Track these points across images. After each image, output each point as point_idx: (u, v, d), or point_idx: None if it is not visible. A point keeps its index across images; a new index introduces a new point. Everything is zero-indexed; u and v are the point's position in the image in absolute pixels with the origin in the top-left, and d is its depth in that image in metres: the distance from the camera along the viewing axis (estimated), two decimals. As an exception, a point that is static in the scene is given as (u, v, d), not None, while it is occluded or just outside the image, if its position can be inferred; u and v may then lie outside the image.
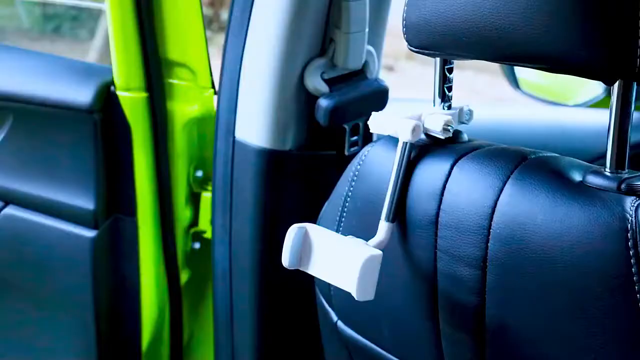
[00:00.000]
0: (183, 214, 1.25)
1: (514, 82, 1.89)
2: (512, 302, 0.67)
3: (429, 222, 0.72)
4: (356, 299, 0.66)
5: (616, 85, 0.63)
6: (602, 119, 1.51)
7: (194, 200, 1.27)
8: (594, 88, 2.41)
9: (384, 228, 0.72)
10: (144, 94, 1.17)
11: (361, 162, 0.80)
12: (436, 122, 0.73)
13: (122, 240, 1.23)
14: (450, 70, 0.76)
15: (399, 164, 0.72)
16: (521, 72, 1.92)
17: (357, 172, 0.80)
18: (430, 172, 0.73)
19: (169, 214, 1.23)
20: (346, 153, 1.06)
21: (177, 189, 1.24)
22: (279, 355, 1.16)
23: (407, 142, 0.72)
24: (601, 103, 2.07)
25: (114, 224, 1.23)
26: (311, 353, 1.11)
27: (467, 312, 0.70)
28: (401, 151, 0.73)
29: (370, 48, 1.06)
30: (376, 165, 0.78)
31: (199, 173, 1.25)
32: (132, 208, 1.21)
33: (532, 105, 2.00)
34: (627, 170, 0.64)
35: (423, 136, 0.75)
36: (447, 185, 0.71)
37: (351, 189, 0.80)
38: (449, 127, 0.72)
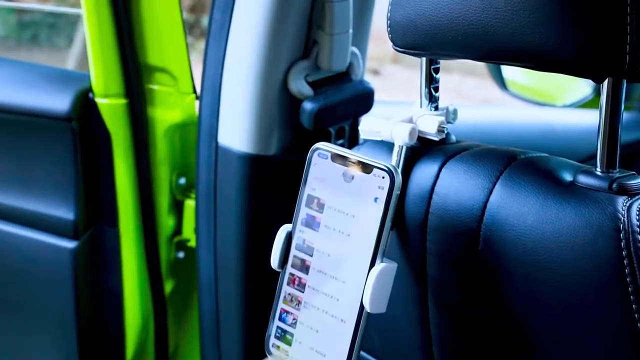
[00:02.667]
0: (166, 222, 1.24)
1: (501, 83, 1.89)
2: (503, 306, 0.66)
3: (418, 226, 0.71)
4: (369, 311, 0.64)
5: (605, 83, 0.63)
6: (591, 119, 1.52)
7: (177, 208, 1.26)
8: (583, 88, 2.42)
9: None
10: (123, 101, 1.16)
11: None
12: (430, 124, 0.72)
13: (104, 250, 1.22)
14: (437, 71, 0.76)
15: (395, 165, 0.72)
16: (508, 73, 1.92)
17: (343, 176, 0.79)
18: (418, 175, 0.72)
19: (151, 223, 1.22)
20: (332, 157, 1.06)
21: (160, 197, 1.22)
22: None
23: (402, 146, 0.72)
24: (591, 103, 2.08)
25: (95, 234, 1.22)
26: None
27: (458, 316, 0.69)
28: (397, 155, 0.72)
29: (355, 49, 1.05)
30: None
31: (182, 180, 1.24)
32: (113, 217, 1.20)
33: (520, 106, 2.01)
34: (618, 170, 0.64)
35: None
36: (435, 188, 0.71)
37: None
38: (444, 128, 0.72)
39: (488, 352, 0.70)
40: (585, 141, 1.53)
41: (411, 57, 0.74)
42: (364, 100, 1.06)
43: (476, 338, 0.70)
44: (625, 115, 1.89)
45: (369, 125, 0.75)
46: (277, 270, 0.69)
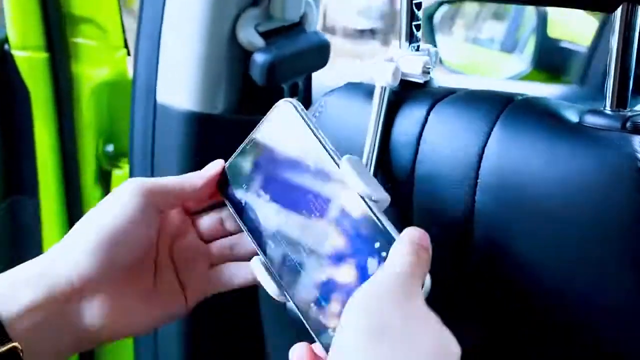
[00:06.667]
0: (92, 195, 1.15)
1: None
2: (504, 265, 0.61)
3: (404, 176, 0.65)
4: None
5: (619, 11, 0.58)
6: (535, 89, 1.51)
7: (104, 179, 1.17)
8: (516, 64, 2.43)
9: None
10: (44, 54, 1.06)
11: (317, 115, 0.72)
12: (413, 64, 0.66)
13: (22, 225, 1.13)
14: (419, 6, 0.70)
15: (377, 110, 0.65)
16: (443, 53, 1.90)
17: (312, 127, 0.72)
18: (403, 121, 0.66)
19: (75, 195, 1.13)
20: (284, 117, 0.98)
21: (85, 166, 1.13)
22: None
23: (385, 87, 0.66)
24: (528, 77, 2.08)
25: (12, 206, 1.12)
26: (250, 350, 1.04)
27: (449, 274, 0.63)
28: (379, 97, 0.66)
29: (309, -2, 0.98)
30: (337, 116, 0.71)
31: (110, 147, 1.15)
32: (33, 188, 1.10)
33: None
34: (629, 109, 0.60)
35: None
36: (423, 134, 0.65)
37: (305, 146, 0.73)
38: (429, 69, 0.66)
39: (484, 318, 0.64)
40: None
41: None
42: (320, 53, 0.99)
43: (468, 303, 0.65)
44: (564, 89, 1.90)
45: (345, 66, 0.68)
46: (281, 299, 0.61)
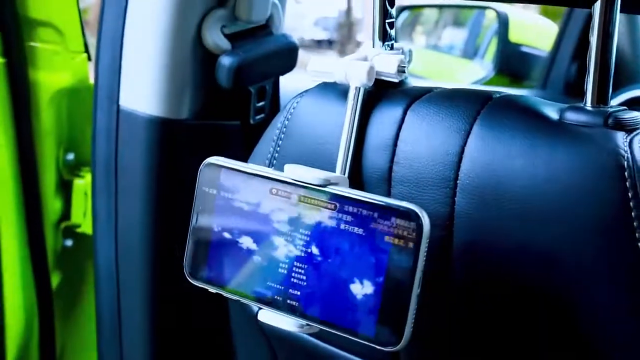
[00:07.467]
0: (52, 205, 1.11)
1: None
2: (485, 265, 0.59)
3: (380, 178, 0.63)
4: None
5: (597, 4, 0.57)
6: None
7: (65, 189, 1.13)
8: (477, 70, 2.44)
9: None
10: (0, 60, 1.02)
11: (289, 117, 0.70)
12: (388, 63, 0.64)
13: (-21, 238, 1.07)
14: (392, 3, 0.68)
15: (352, 110, 0.63)
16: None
17: (284, 129, 0.70)
18: (379, 121, 0.64)
19: (35, 206, 1.09)
20: (252, 121, 0.96)
21: (45, 176, 1.09)
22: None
23: (359, 87, 0.64)
24: (491, 82, 2.09)
25: (-32, 218, 1.07)
26: (218, 355, 1.01)
27: (429, 280, 0.62)
28: (354, 98, 0.64)
29: (275, 0, 0.96)
30: (309, 118, 0.68)
31: (70, 156, 1.11)
32: (-11, 199, 1.06)
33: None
34: (609, 105, 0.59)
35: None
36: (400, 134, 0.63)
37: (277, 149, 0.70)
38: (404, 68, 0.64)
39: (465, 318, 0.62)
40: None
41: None
42: (287, 56, 0.97)
43: (450, 305, 0.63)
44: (528, 93, 1.91)
45: (318, 66, 0.66)
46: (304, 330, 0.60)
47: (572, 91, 1.80)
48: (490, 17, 2.41)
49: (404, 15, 2.51)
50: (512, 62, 2.11)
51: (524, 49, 2.14)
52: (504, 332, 0.60)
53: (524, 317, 0.59)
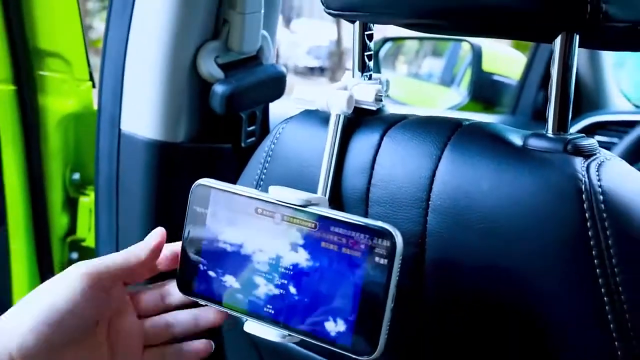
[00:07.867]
0: (59, 221, 1.09)
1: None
2: (455, 280, 0.59)
3: (358, 200, 0.62)
4: None
5: (558, 40, 0.57)
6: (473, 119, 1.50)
7: (71, 206, 1.11)
8: (454, 96, 2.44)
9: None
10: (11, 87, 1.01)
11: (275, 141, 0.69)
12: (367, 92, 0.64)
13: (-10, 252, 1.06)
14: (370, 37, 0.68)
15: (333, 136, 0.63)
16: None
17: (270, 153, 0.69)
18: (358, 145, 0.63)
19: (43, 222, 1.07)
20: (243, 144, 0.95)
21: (52, 194, 1.08)
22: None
23: (339, 115, 0.63)
24: (466, 107, 2.09)
25: (-20, 233, 1.06)
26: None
27: (403, 295, 0.61)
28: (335, 124, 0.63)
29: (265, 32, 0.96)
30: (294, 142, 0.68)
31: (76, 176, 1.10)
32: (1, 215, 1.04)
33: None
34: (569, 132, 0.58)
35: (345, 108, 0.66)
36: (377, 158, 0.62)
37: (264, 171, 0.70)
38: (381, 97, 0.64)
39: (437, 331, 0.61)
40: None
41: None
42: (276, 84, 0.96)
43: (423, 318, 0.62)
44: (498, 118, 1.91)
45: (302, 94, 0.66)
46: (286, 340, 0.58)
47: (540, 116, 1.81)
48: (465, 48, 2.42)
49: (387, 45, 2.51)
50: (485, 90, 2.11)
51: (496, 78, 2.15)
52: (475, 345, 0.59)
53: (495, 332, 0.58)
